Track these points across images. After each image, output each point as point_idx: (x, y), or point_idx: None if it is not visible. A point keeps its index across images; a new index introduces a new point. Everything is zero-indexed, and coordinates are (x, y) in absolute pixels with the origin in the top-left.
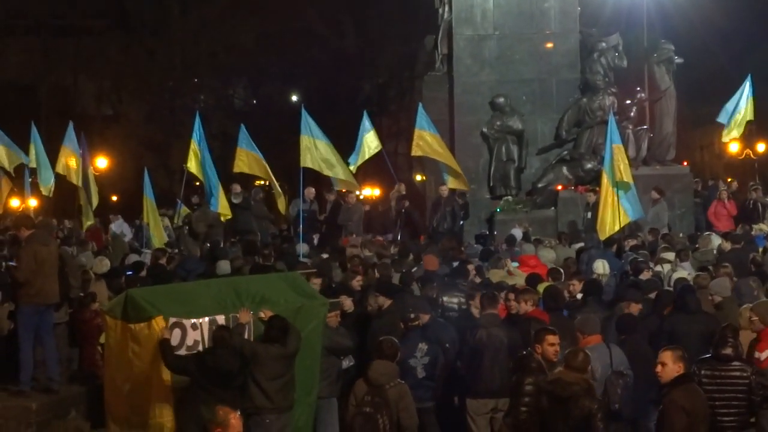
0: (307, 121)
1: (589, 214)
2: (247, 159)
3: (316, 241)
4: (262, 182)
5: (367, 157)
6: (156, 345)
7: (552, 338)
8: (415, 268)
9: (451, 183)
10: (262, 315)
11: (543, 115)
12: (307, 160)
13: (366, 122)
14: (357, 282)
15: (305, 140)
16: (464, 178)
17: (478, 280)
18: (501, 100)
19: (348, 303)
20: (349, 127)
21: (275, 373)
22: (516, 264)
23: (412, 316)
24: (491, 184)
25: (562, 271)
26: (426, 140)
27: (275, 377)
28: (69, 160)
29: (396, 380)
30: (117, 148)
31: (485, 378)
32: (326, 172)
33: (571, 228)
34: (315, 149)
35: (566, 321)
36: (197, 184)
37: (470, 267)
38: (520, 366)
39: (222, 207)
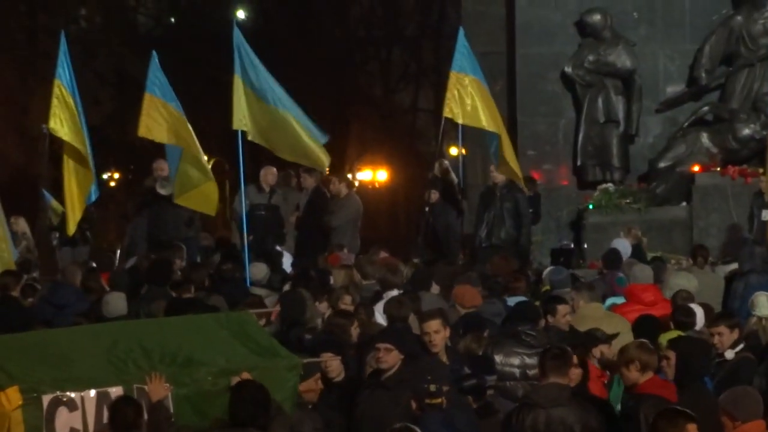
0: (244, 52)
1: (762, 213)
2: (161, 116)
3: (281, 259)
4: None
5: None
6: None
7: (692, 428)
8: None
9: (501, 168)
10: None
11: (667, 44)
12: (242, 123)
13: None
14: (354, 330)
15: (239, 87)
16: (515, 164)
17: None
18: (596, 18)
19: (335, 365)
20: (332, 62)
21: None
22: (616, 299)
23: (433, 388)
24: (579, 163)
25: (698, 312)
26: (466, 90)
27: None
28: None
29: None
30: None
31: None
32: (272, 147)
33: (720, 238)
34: (254, 105)
35: (708, 397)
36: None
37: (562, 307)
38: None
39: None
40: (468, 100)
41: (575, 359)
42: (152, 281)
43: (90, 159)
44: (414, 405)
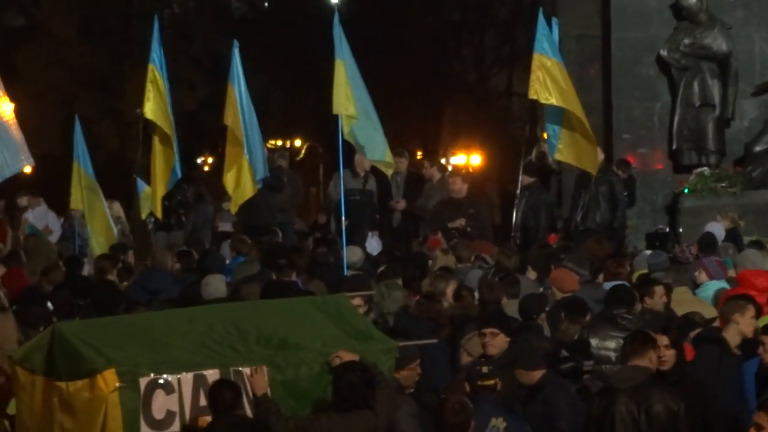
0: (343, 38)
1: None
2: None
3: (373, 243)
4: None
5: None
6: (102, 419)
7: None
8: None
9: (562, 153)
10: (335, 360)
11: (764, 28)
12: (342, 107)
13: None
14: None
15: (341, 71)
16: (594, 151)
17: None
18: (692, 1)
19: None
20: (426, 47)
21: None
22: (721, 283)
23: (485, 370)
24: (674, 147)
25: None
26: (549, 72)
27: None
28: None
29: None
30: (31, 84)
31: None
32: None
33: None
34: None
35: None
36: None
37: (658, 289)
38: None
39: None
40: (550, 81)
41: (665, 341)
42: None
43: (174, 143)
44: (467, 387)
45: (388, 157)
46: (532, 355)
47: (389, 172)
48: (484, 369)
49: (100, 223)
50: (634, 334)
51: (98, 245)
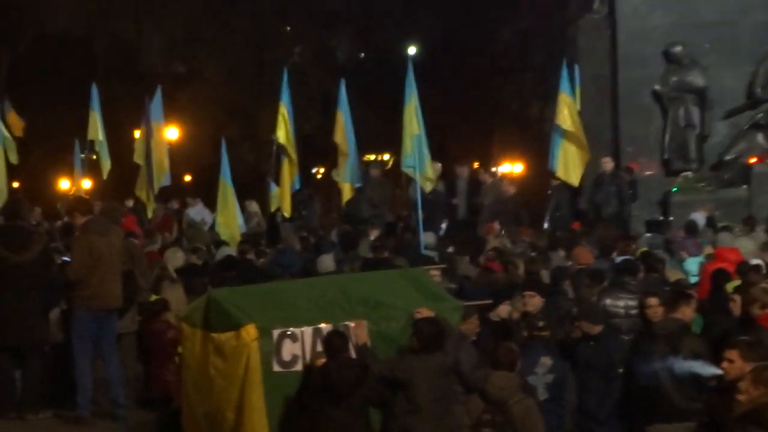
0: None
1: None
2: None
3: (442, 231)
4: (373, 156)
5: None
6: (246, 361)
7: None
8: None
9: (560, 171)
10: (416, 315)
11: (731, 67)
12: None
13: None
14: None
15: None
16: (579, 171)
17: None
18: (678, 49)
19: (505, 310)
20: (481, 85)
21: (438, 392)
22: (699, 258)
23: (541, 323)
24: (665, 157)
25: (763, 264)
26: (567, 106)
27: (438, 397)
28: None
29: (520, 395)
30: (191, 115)
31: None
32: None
33: None
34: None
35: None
36: None
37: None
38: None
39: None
40: (567, 113)
41: (691, 301)
42: (346, 247)
43: (295, 157)
44: (526, 333)
45: (429, 173)
46: (596, 313)
47: (427, 185)
48: (540, 323)
49: (229, 217)
50: (671, 293)
51: (224, 232)
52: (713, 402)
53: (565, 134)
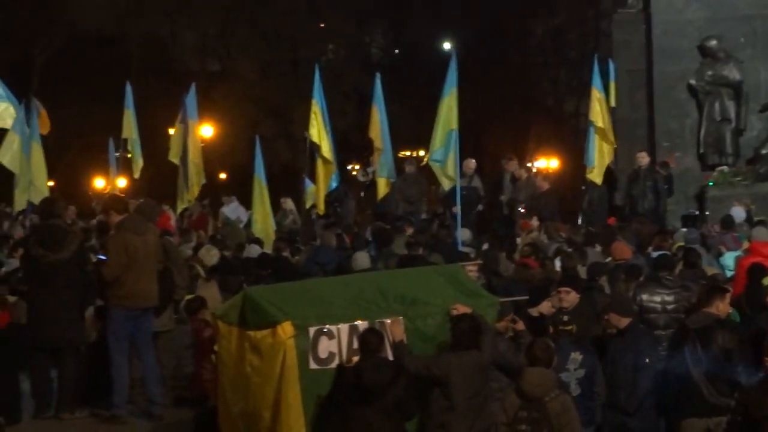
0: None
1: None
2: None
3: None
4: (409, 153)
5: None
6: (282, 359)
7: None
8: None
9: (590, 172)
10: (453, 312)
11: (767, 61)
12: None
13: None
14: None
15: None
16: (602, 168)
17: None
18: (713, 43)
19: (546, 306)
20: (516, 81)
21: (474, 389)
22: (736, 253)
23: (565, 318)
24: (701, 151)
25: None
26: (599, 101)
27: (474, 394)
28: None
29: (556, 391)
30: (225, 113)
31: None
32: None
33: None
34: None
35: None
36: None
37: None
38: None
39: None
40: (599, 108)
41: (726, 295)
42: (380, 244)
43: (333, 156)
44: (551, 329)
45: (449, 170)
46: (625, 305)
47: (446, 182)
48: (565, 318)
49: (262, 214)
50: (705, 287)
51: (259, 230)
52: (748, 398)
53: (597, 130)
